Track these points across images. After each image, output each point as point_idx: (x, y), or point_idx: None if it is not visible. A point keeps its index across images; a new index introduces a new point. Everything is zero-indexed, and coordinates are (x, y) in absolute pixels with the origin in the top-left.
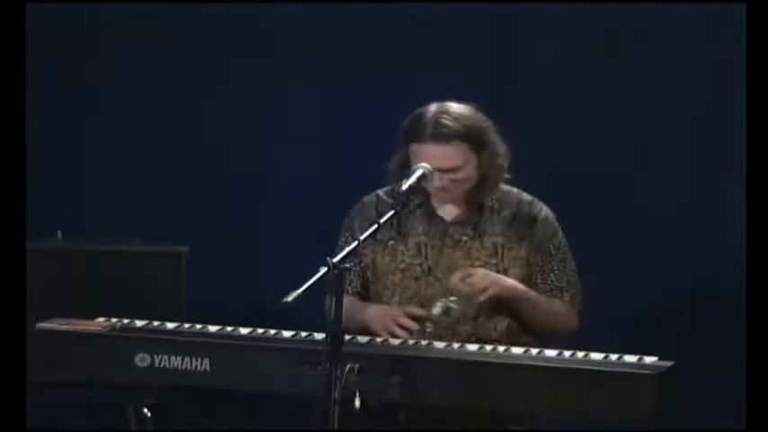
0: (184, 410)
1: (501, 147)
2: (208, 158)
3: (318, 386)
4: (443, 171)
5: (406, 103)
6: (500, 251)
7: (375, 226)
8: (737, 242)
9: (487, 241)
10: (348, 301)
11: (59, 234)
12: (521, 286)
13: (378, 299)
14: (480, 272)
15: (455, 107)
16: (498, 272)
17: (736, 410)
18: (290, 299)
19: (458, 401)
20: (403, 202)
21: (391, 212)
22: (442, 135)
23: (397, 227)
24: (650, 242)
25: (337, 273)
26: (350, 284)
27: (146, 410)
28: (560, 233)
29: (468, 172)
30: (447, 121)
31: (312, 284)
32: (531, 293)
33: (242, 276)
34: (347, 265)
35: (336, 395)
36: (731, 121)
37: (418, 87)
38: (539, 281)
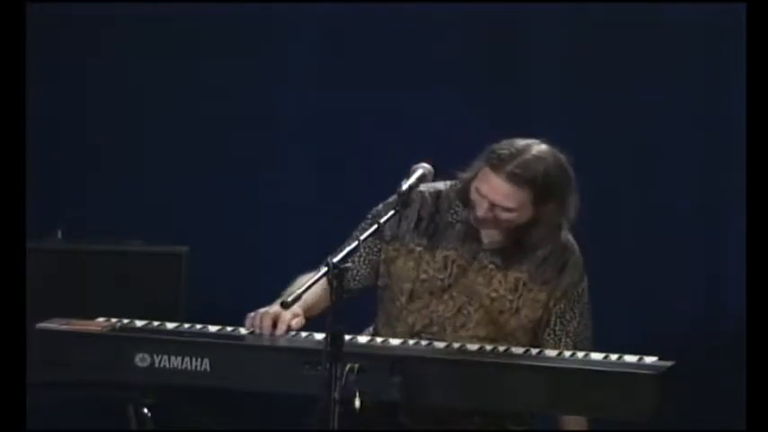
0: (184, 410)
1: (569, 206)
2: (208, 158)
3: (318, 386)
4: (493, 204)
5: (406, 104)
6: (520, 289)
7: (375, 226)
8: (738, 243)
9: (512, 275)
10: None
11: (59, 234)
12: None
13: (390, 300)
14: None
15: (544, 153)
16: (511, 309)
17: (736, 410)
18: (290, 299)
19: (458, 401)
20: (403, 201)
21: (391, 212)
22: (515, 176)
23: (432, 234)
24: (650, 242)
25: (337, 272)
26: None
27: (146, 410)
28: (585, 278)
29: (517, 216)
30: (530, 164)
31: (312, 284)
32: None
33: (242, 276)
34: (347, 264)
35: (336, 395)
36: (731, 122)
37: (418, 88)
38: (558, 327)
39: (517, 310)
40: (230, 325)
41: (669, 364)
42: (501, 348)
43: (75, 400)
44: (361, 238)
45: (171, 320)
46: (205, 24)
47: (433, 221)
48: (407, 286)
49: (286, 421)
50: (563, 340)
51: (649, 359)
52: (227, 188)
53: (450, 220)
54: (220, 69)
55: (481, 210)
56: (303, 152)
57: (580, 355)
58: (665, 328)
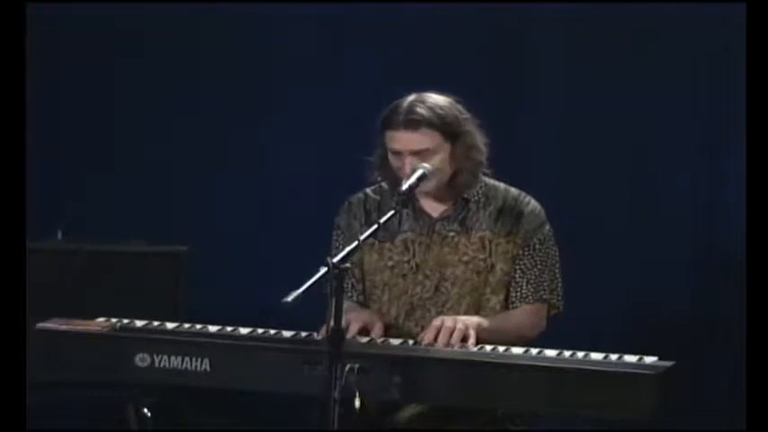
0: (184, 410)
1: (477, 139)
2: (208, 158)
3: (318, 386)
4: (414, 154)
5: None
6: (488, 246)
7: (375, 226)
8: (738, 242)
9: (475, 236)
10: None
11: (59, 234)
12: (483, 321)
13: (368, 297)
14: (447, 320)
15: (432, 97)
16: (486, 267)
17: (736, 410)
18: (290, 299)
19: (458, 401)
20: (403, 201)
21: (391, 212)
22: (412, 121)
23: (385, 224)
24: (651, 241)
25: (337, 273)
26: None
27: (146, 410)
28: (547, 227)
29: (441, 161)
30: (420, 109)
31: (312, 284)
32: (494, 324)
33: (242, 276)
34: (347, 264)
35: (336, 395)
36: (731, 121)
37: (419, 88)
38: (519, 275)
39: (492, 266)
40: (230, 325)
41: (669, 363)
42: (501, 348)
43: (75, 400)
44: (361, 238)
45: (171, 320)
46: (206, 25)
47: (381, 213)
48: (379, 278)
49: (286, 421)
50: (522, 287)
51: (649, 359)
52: (228, 188)
53: (394, 206)
54: (220, 70)
55: (407, 168)
56: (304, 152)
57: (580, 355)
58: (664, 327)
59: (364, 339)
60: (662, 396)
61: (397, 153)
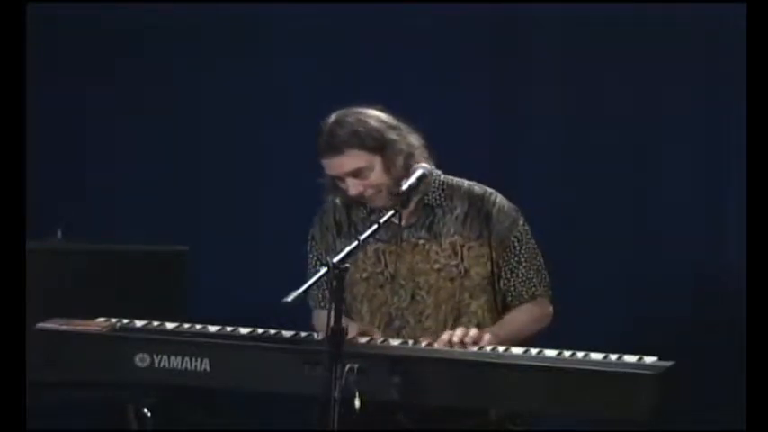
0: (184, 410)
1: (407, 144)
2: (208, 158)
3: (318, 386)
4: (351, 175)
5: (407, 104)
6: (459, 251)
7: (375, 226)
8: (739, 243)
9: (445, 243)
10: (323, 316)
11: (59, 234)
12: (497, 331)
13: (349, 309)
14: (472, 331)
15: (352, 114)
16: (460, 272)
17: (736, 410)
18: (289, 299)
19: (458, 401)
20: (403, 202)
21: (391, 212)
22: (334, 146)
23: (355, 234)
24: (652, 242)
25: (337, 273)
26: (321, 300)
27: (146, 410)
28: (520, 221)
29: (378, 176)
30: (339, 132)
31: (312, 284)
32: (503, 331)
33: (242, 276)
34: (347, 264)
35: (336, 395)
36: (731, 122)
37: (420, 88)
38: (508, 275)
39: (466, 271)
40: (230, 325)
41: (669, 363)
42: (501, 348)
43: (75, 400)
44: (361, 238)
45: (171, 320)
46: (205, 24)
47: (351, 223)
48: (357, 289)
49: (286, 421)
50: (516, 287)
51: (649, 359)
52: (228, 188)
53: (362, 216)
54: (220, 69)
55: (350, 189)
56: (304, 152)
57: (580, 355)
58: (664, 327)
59: (364, 339)
60: (662, 396)
61: (337, 177)
